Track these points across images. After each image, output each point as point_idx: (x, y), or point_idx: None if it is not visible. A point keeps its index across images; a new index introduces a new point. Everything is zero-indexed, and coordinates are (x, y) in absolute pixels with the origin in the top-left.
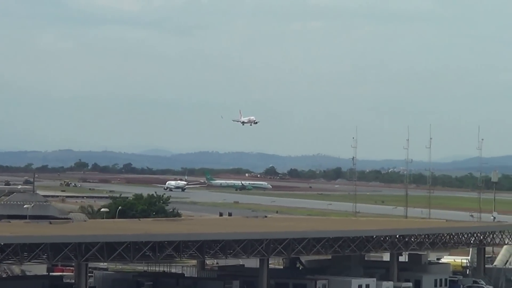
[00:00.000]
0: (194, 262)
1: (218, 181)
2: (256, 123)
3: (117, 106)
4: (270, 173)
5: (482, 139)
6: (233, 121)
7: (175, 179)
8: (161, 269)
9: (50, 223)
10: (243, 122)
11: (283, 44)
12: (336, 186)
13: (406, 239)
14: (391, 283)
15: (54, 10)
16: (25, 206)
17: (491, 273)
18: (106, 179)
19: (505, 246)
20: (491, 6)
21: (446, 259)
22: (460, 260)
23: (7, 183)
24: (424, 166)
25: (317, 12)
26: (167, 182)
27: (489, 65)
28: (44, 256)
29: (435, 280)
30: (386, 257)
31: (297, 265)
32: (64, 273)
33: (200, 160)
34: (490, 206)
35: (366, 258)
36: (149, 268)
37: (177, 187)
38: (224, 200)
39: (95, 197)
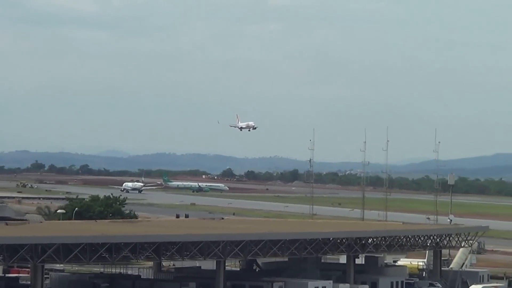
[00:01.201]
0: (150, 263)
1: (175, 183)
2: (255, 128)
3: (73, 107)
4: (227, 175)
5: (439, 142)
6: (230, 126)
7: (132, 181)
8: (118, 270)
9: (7, 224)
10: (241, 128)
11: (240, 45)
12: (293, 188)
13: (363, 242)
14: (347, 285)
15: (11, 10)
16: None
17: (448, 276)
18: (63, 180)
19: (461, 249)
20: (442, 8)
21: (403, 261)
22: (416, 263)
23: None
24: (381, 168)
25: (275, 13)
26: (124, 184)
27: (446, 66)
28: (0, 258)
29: (392, 283)
30: (343, 259)
31: (254, 267)
32: (20, 275)
33: (157, 162)
34: (446, 209)
35: (322, 260)
36: (106, 270)
37: (134, 189)
38: (181, 201)
39: (52, 198)
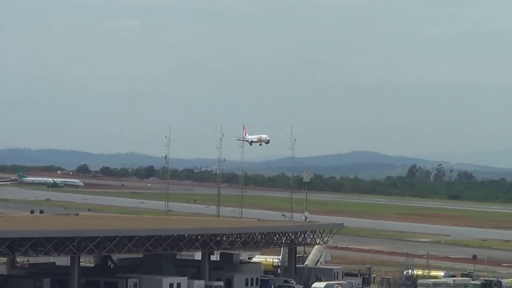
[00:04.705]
0: (4, 259)
1: (30, 178)
2: (268, 142)
3: None
4: (83, 170)
5: (295, 139)
6: (238, 139)
7: None
8: None
9: None
10: (251, 142)
11: (98, 42)
12: (149, 184)
13: (218, 238)
14: (202, 282)
15: None
16: None
17: (302, 273)
18: None
19: (316, 246)
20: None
21: (258, 258)
22: (271, 260)
23: None
24: (237, 165)
25: (132, 10)
26: None
27: (306, 66)
28: None
29: (246, 280)
30: (198, 256)
31: (109, 263)
32: None
33: (12, 157)
34: (302, 206)
35: (177, 257)
36: None
37: None
38: (35, 197)
39: None
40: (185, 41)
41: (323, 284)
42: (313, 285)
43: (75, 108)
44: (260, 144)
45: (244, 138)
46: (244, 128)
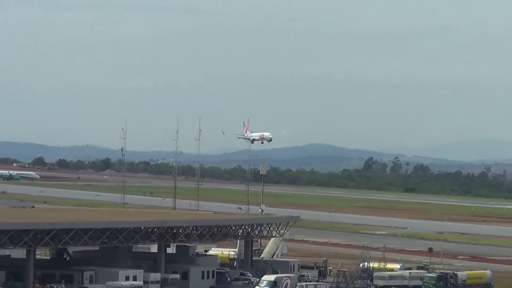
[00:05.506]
0: None
1: None
2: (270, 140)
3: None
4: (38, 163)
5: (251, 132)
6: (238, 137)
7: None
8: None
9: None
10: (252, 140)
11: (53, 32)
12: (105, 177)
13: (174, 231)
14: (158, 274)
15: None
16: None
17: (258, 265)
18: None
19: (272, 239)
20: None
21: (214, 251)
22: (227, 252)
23: None
24: (193, 158)
25: (86, 1)
26: None
27: (262, 59)
28: None
29: (203, 272)
30: (154, 248)
31: (65, 256)
32: None
33: None
34: (258, 199)
35: (134, 250)
36: None
37: None
38: None
39: None
40: (139, 33)
41: (272, 276)
42: (262, 278)
43: (30, 101)
44: (262, 142)
45: (244, 136)
46: (244, 125)
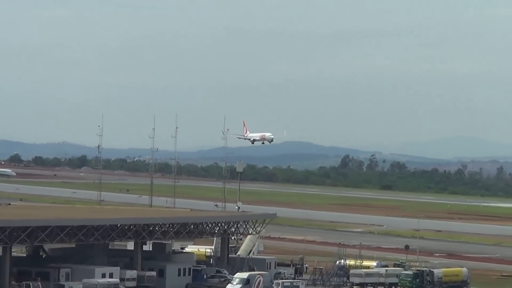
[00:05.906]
0: None
1: None
2: (271, 141)
3: None
4: (15, 160)
5: (228, 129)
6: (238, 138)
7: None
8: None
9: None
10: (253, 141)
11: (31, 30)
12: (81, 174)
13: (151, 228)
14: (134, 272)
15: None
16: None
17: (235, 263)
18: None
19: (248, 236)
20: None
21: (190, 248)
22: (204, 250)
23: None
24: (170, 155)
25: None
26: None
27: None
28: None
29: (179, 270)
30: (130, 246)
31: (41, 253)
32: None
33: None
34: (234, 196)
35: (110, 247)
36: None
37: None
38: None
39: None
40: (115, 29)
41: (246, 274)
42: (235, 275)
43: (6, 97)
44: (263, 143)
45: (245, 136)
46: (244, 126)
